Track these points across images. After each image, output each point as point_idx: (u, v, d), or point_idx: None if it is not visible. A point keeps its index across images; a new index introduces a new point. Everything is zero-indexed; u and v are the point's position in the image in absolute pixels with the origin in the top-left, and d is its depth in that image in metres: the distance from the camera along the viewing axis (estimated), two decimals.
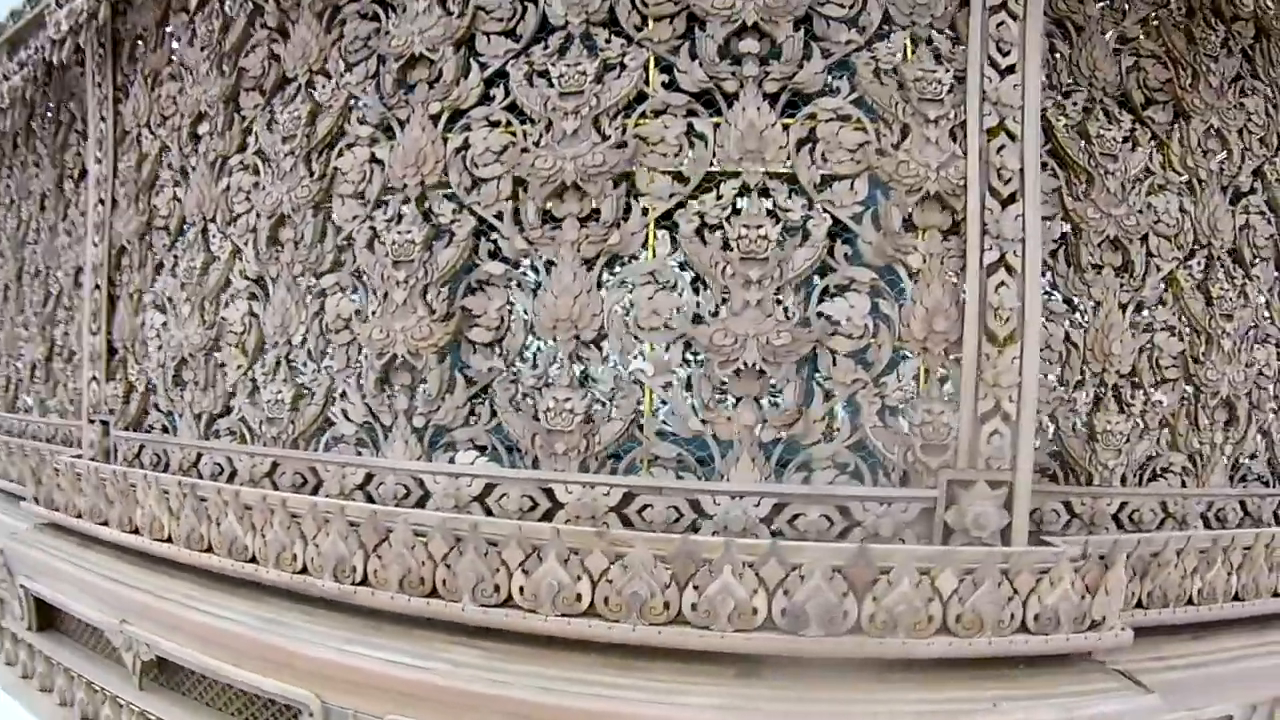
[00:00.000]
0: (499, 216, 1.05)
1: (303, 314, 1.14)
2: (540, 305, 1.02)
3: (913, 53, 1.00)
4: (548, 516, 0.97)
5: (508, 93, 1.07)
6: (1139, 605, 0.97)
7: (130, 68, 1.37)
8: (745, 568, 0.84)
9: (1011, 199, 0.95)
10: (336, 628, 0.90)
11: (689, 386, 0.98)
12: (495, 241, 1.06)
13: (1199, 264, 1.15)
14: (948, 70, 0.97)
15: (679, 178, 1.01)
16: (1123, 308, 1.09)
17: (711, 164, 1.01)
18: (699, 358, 0.98)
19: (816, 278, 0.99)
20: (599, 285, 1.02)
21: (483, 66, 1.09)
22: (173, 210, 1.30)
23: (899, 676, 0.79)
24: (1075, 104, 1.11)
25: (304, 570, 0.96)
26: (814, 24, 1.01)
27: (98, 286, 1.35)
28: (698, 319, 0.99)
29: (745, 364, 0.96)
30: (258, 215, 1.20)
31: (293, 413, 1.11)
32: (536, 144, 1.04)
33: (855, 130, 0.99)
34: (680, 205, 1.01)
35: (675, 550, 0.85)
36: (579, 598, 0.86)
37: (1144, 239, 1.12)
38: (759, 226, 0.97)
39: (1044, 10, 1.06)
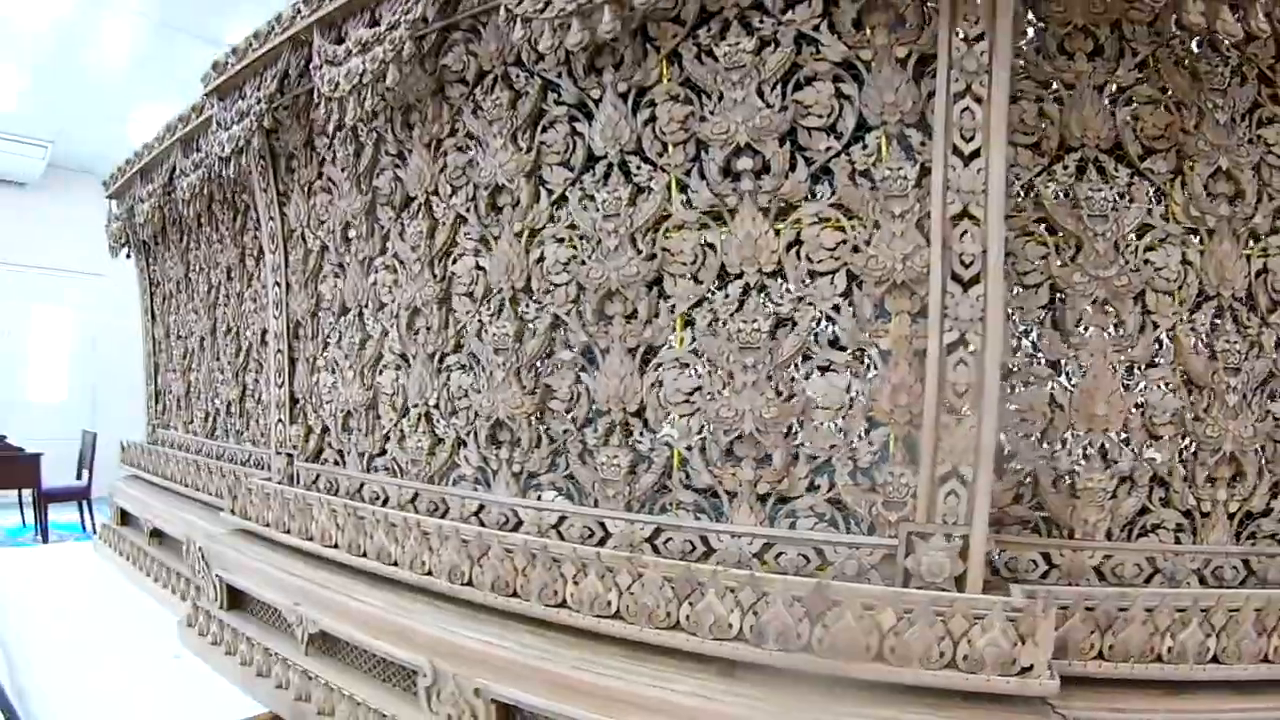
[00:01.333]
0: (568, 314, 1.37)
1: (435, 383, 1.56)
2: (598, 384, 1.33)
3: (886, 151, 1.13)
4: (602, 543, 1.29)
5: (568, 214, 1.37)
6: (1100, 657, 1.03)
7: (288, 178, 1.84)
8: (728, 591, 1.09)
9: (974, 281, 1.05)
10: (447, 615, 1.29)
11: (704, 449, 1.24)
12: (566, 333, 1.39)
13: (1204, 317, 1.15)
14: (914, 165, 1.10)
15: (696, 280, 1.25)
16: (1113, 369, 1.14)
17: (721, 268, 1.23)
18: (710, 426, 1.23)
19: (801, 360, 1.19)
20: (640, 369, 1.30)
21: (549, 193, 1.40)
22: (335, 296, 1.76)
23: (843, 691, 1.00)
24: (1066, 167, 1.16)
25: (429, 573, 1.37)
26: (798, 136, 1.18)
27: (280, 351, 1.86)
28: (710, 396, 1.23)
29: (744, 432, 1.20)
30: (399, 306, 1.63)
31: (430, 456, 1.54)
32: (590, 257, 1.33)
33: (834, 230, 1.16)
34: (697, 304, 1.25)
35: (679, 574, 1.13)
36: (609, 604, 1.17)
37: (1138, 297, 1.15)
38: (754, 320, 1.19)
39: (1031, 74, 1.14)
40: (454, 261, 1.53)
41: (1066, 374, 1.17)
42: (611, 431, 1.32)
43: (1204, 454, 1.14)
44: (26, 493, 5.83)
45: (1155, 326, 1.15)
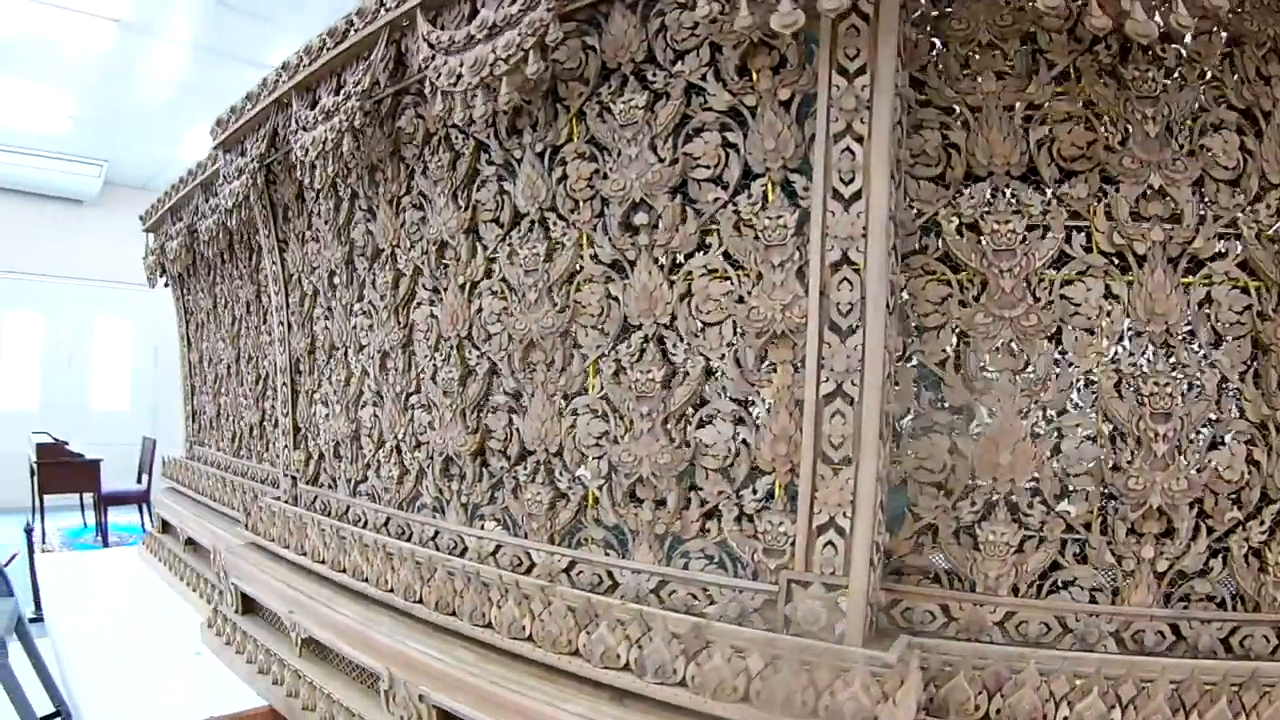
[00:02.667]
0: (501, 361, 1.44)
1: (403, 420, 1.68)
2: (526, 426, 1.39)
3: (771, 199, 1.09)
4: (528, 571, 1.35)
5: (500, 269, 1.43)
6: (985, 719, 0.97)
7: (286, 227, 2.03)
8: (619, 624, 1.12)
9: (852, 330, 1.01)
10: (402, 628, 1.41)
11: (611, 490, 1.26)
12: (500, 379, 1.45)
13: (1130, 356, 1.02)
14: (794, 212, 1.06)
15: (602, 331, 1.28)
16: (1022, 415, 1.04)
17: (624, 319, 1.25)
18: (616, 469, 1.25)
19: (692, 409, 1.18)
20: (559, 414, 1.34)
21: (485, 248, 1.47)
22: (326, 337, 1.93)
23: None
24: (972, 199, 1.07)
25: (390, 590, 1.50)
26: (688, 188, 1.17)
27: (284, 384, 2.06)
28: (615, 440, 1.26)
29: (642, 476, 1.21)
30: (373, 349, 1.74)
31: (399, 485, 1.67)
32: (516, 309, 1.39)
33: (722, 280, 1.14)
34: (604, 354, 1.27)
35: (580, 605, 1.18)
36: (524, 628, 1.25)
37: (1053, 337, 1.05)
38: (649, 371, 1.20)
39: (933, 100, 1.06)
40: (415, 309, 1.64)
41: (970, 418, 1.09)
42: (537, 470, 1.38)
43: (1125, 508, 1.02)
44: (89, 496, 6.14)
45: (1071, 367, 1.04)
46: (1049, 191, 1.04)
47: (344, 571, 1.61)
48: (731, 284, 1.14)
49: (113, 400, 8.56)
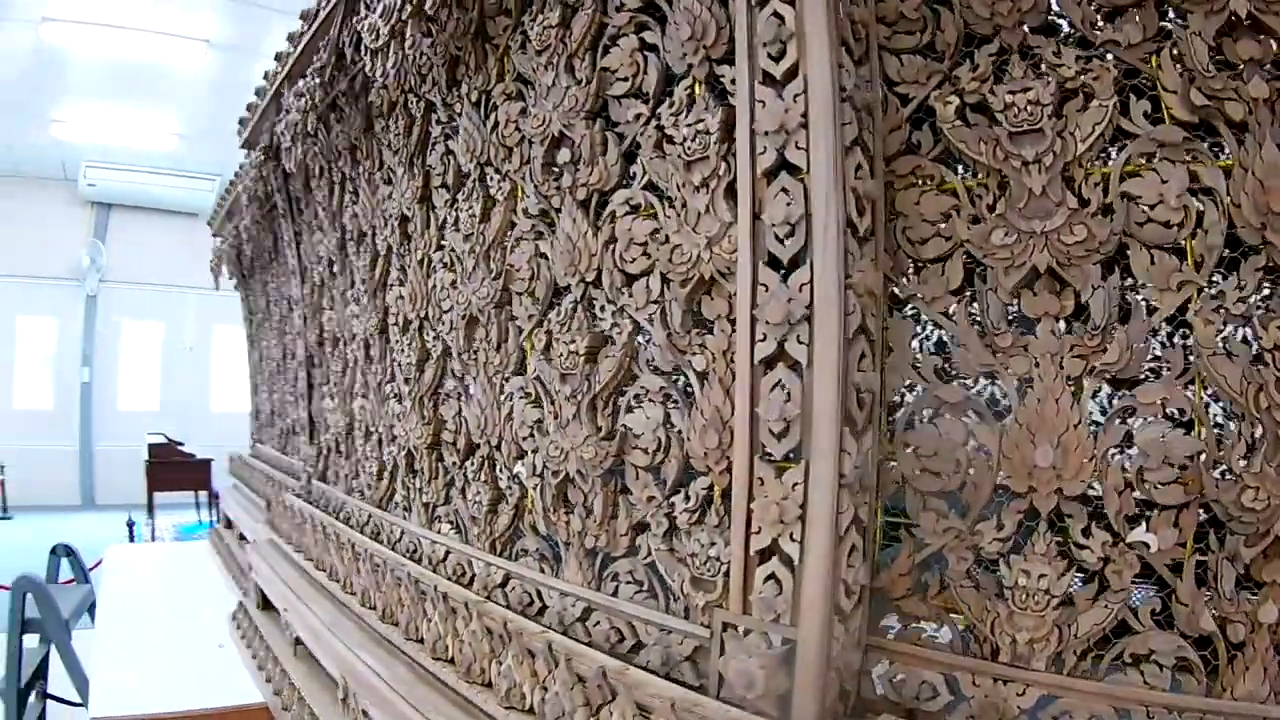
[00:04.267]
0: (452, 341, 1.25)
1: (381, 411, 1.54)
2: (470, 415, 1.18)
3: (696, 100, 0.79)
4: (471, 583, 1.14)
5: (448, 238, 1.25)
6: None
7: (299, 220, 2.00)
8: (528, 656, 0.87)
9: (797, 261, 0.69)
10: (358, 636, 1.28)
11: (542, 491, 1.01)
12: (451, 362, 1.26)
13: (1238, 285, 0.60)
14: (717, 113, 0.76)
15: (534, 297, 1.04)
16: (1072, 388, 0.64)
17: (553, 281, 1.00)
18: (547, 466, 1.00)
19: (620, 389, 0.89)
20: (498, 400, 1.12)
21: (437, 218, 1.30)
22: (329, 328, 1.87)
23: None
24: (977, 67, 0.70)
25: (353, 593, 1.37)
26: (609, 110, 0.91)
27: (301, 377, 2.02)
28: (545, 430, 1.00)
29: (569, 474, 0.95)
30: (359, 336, 1.64)
31: (378, 482, 1.54)
32: (460, 280, 1.19)
33: (646, 218, 0.86)
34: (536, 325, 1.03)
35: (497, 630, 0.95)
36: (447, 647, 1.05)
37: (1114, 261, 0.65)
38: (571, 341, 0.94)
39: None
40: (389, 292, 1.50)
41: (995, 396, 0.69)
42: (481, 466, 1.17)
43: (1236, 540, 0.60)
44: (203, 494, 6.46)
45: (1146, 309, 0.63)
46: (1085, 40, 0.66)
47: (324, 571, 1.51)
48: (657, 221, 0.85)
49: (232, 403, 8.84)
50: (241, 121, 2.10)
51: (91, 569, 3.42)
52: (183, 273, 8.60)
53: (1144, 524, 0.63)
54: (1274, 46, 0.61)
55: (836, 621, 0.68)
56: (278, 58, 1.70)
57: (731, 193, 0.75)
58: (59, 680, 2.64)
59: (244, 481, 2.89)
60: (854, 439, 0.69)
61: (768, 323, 0.70)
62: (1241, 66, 0.61)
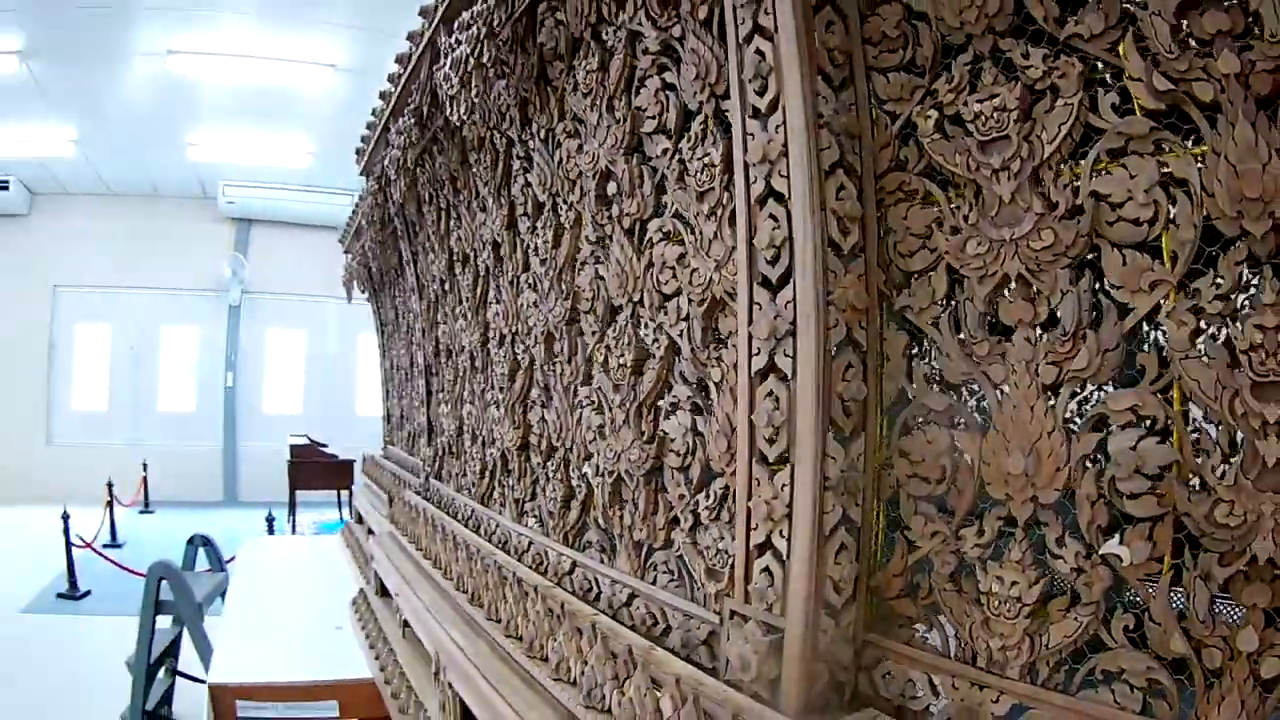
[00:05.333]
0: (538, 353, 1.59)
1: (484, 417, 1.94)
2: (549, 421, 1.52)
3: (701, 138, 1.03)
4: (545, 570, 1.46)
5: (530, 261, 1.59)
6: None
7: (415, 242, 2.47)
8: (576, 634, 1.16)
9: (784, 281, 0.89)
10: (451, 617, 1.66)
11: (603, 490, 1.30)
12: (535, 373, 1.60)
13: (1214, 281, 0.67)
14: (718, 146, 0.99)
15: (596, 316, 1.34)
16: (1046, 394, 0.78)
17: (609, 301, 1.29)
18: (606, 467, 1.29)
19: (660, 397, 1.15)
20: (571, 407, 1.44)
21: (521, 243, 1.65)
22: (444, 340, 2.31)
23: None
24: (953, 79, 0.84)
25: (449, 578, 1.76)
26: (643, 146, 1.17)
27: (422, 384, 2.48)
28: (602, 435, 1.30)
29: (620, 475, 1.23)
30: (464, 349, 2.06)
31: (479, 480, 1.94)
32: (541, 300, 1.53)
33: (675, 244, 1.11)
34: (597, 341, 1.33)
35: (555, 610, 1.26)
36: (517, 626, 1.39)
37: (1086, 264, 0.76)
38: (621, 355, 1.22)
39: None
40: (488, 309, 1.89)
41: (978, 404, 0.84)
42: (558, 466, 1.48)
43: (1208, 557, 0.67)
44: (345, 493, 7.78)
45: (1123, 314, 0.74)
46: (1052, 38, 0.76)
47: (430, 560, 1.95)
48: (683, 246, 1.09)
49: (375, 407, 10.96)
50: (358, 151, 2.69)
51: (229, 561, 4.37)
52: (324, 284, 10.35)
53: (1118, 535, 0.74)
54: (1243, 15, 0.65)
55: (825, 615, 0.87)
56: (383, 96, 2.20)
57: (732, 220, 0.97)
58: (188, 661, 3.44)
59: (374, 480, 3.57)
60: (840, 445, 0.88)
61: (759, 338, 0.92)
62: (1211, 41, 0.66)
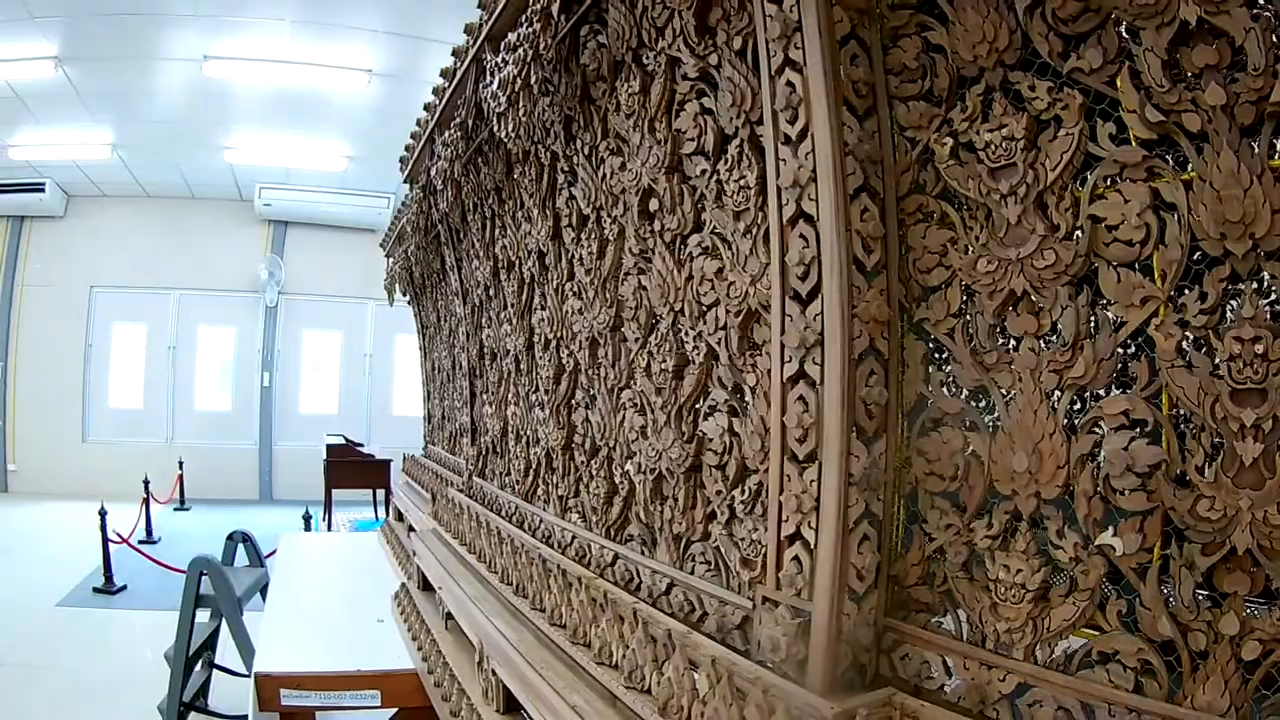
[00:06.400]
0: (582, 358, 1.74)
1: (529, 418, 2.11)
2: (593, 421, 1.68)
3: (737, 160, 1.17)
4: (588, 563, 1.61)
5: (574, 270, 1.75)
6: None
7: (459, 248, 2.66)
8: (619, 620, 1.31)
9: (813, 295, 1.02)
10: (495, 608, 1.82)
11: (645, 487, 1.45)
12: (580, 376, 1.75)
13: (1198, 297, 0.78)
14: (754, 170, 1.12)
15: (639, 324, 1.48)
16: (1048, 399, 0.89)
17: (650, 310, 1.44)
18: (648, 465, 1.44)
19: (699, 400, 1.30)
20: (614, 409, 1.58)
21: (566, 252, 1.80)
22: (488, 344, 2.49)
23: None
24: (966, 108, 0.95)
25: (494, 571, 1.92)
26: (683, 166, 1.31)
27: (465, 386, 2.67)
28: (644, 435, 1.44)
29: (661, 472, 1.37)
30: (510, 352, 2.22)
31: (524, 478, 2.10)
32: (582, 309, 1.68)
33: (713, 258, 1.25)
34: (640, 347, 1.48)
35: (598, 598, 1.41)
36: (560, 615, 1.55)
37: (1084, 280, 0.87)
38: (664, 361, 1.37)
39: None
40: (533, 314, 2.06)
41: (988, 408, 0.97)
42: (601, 465, 1.63)
43: (1193, 548, 0.78)
44: (381, 492, 7.98)
45: (1118, 326, 0.85)
46: (1056, 71, 0.87)
47: (474, 554, 2.11)
48: (721, 261, 1.23)
49: (411, 407, 10.81)
50: (401, 160, 2.89)
51: (267, 556, 4.62)
52: (361, 285, 10.78)
53: (1112, 528, 0.85)
54: (1227, 46, 0.74)
55: (848, 600, 1.00)
56: (427, 108, 2.38)
57: (766, 238, 1.11)
58: (227, 654, 3.65)
59: (415, 479, 3.79)
60: (863, 445, 1.01)
61: (790, 347, 1.05)
62: (1200, 75, 0.75)
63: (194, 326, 11.81)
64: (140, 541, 7.84)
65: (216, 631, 4.09)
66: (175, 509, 10.11)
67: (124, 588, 6.58)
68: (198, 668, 3.99)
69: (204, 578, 3.74)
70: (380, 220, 10.51)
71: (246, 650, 3.48)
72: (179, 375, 11.77)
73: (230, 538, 4.72)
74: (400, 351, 11.75)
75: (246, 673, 3.12)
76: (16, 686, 4.43)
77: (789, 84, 1.02)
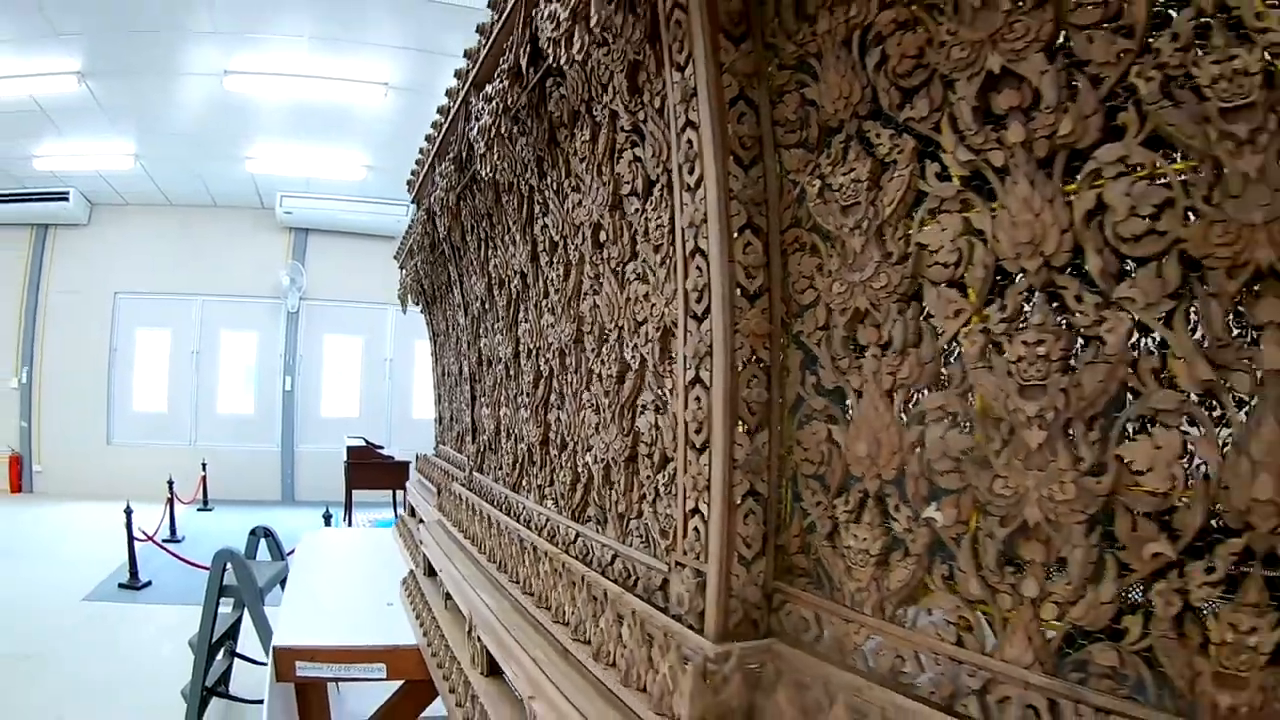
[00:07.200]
0: (555, 369, 2.03)
1: (515, 417, 2.39)
2: (563, 420, 1.95)
3: (658, 202, 1.44)
4: (556, 540, 1.89)
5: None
6: None
7: (461, 264, 2.97)
8: (572, 585, 1.60)
9: (705, 314, 1.26)
10: (484, 584, 2.12)
11: (598, 474, 1.73)
12: (554, 385, 2.04)
13: (1000, 309, 0.95)
14: (665, 211, 1.40)
15: (594, 336, 1.76)
16: (888, 397, 1.13)
17: (601, 327, 1.72)
18: (598, 456, 1.71)
19: (636, 401, 1.58)
20: (577, 410, 1.86)
21: (543, 274, 2.09)
22: (486, 352, 2.79)
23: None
24: (830, 154, 1.16)
25: (483, 551, 2.21)
26: (623, 205, 1.59)
27: (467, 389, 2.97)
28: (597, 431, 1.72)
29: (608, 462, 1.67)
30: (502, 360, 2.52)
31: (511, 472, 2.38)
32: (553, 324, 1.97)
33: (644, 283, 1.53)
34: (596, 355, 1.76)
35: (557, 567, 1.68)
36: (530, 583, 1.86)
37: (913, 297, 1.08)
38: (609, 367, 1.68)
39: (783, 61, 1.19)
40: (518, 327, 2.36)
41: (845, 405, 1.23)
42: (569, 458, 1.92)
43: (992, 521, 0.95)
44: (400, 493, 8.52)
45: (937, 334, 1.05)
46: (894, 120, 1.05)
47: (470, 540, 2.41)
48: (648, 285, 1.51)
49: (431, 410, 12.00)
50: (409, 183, 3.21)
51: (289, 554, 4.98)
52: (381, 291, 11.25)
53: (935, 504, 1.08)
54: (1028, 90, 0.87)
55: (737, 564, 1.27)
56: (428, 138, 2.70)
57: (674, 268, 1.38)
58: (248, 645, 3.98)
59: (425, 476, 4.12)
60: (747, 435, 1.28)
61: (689, 357, 1.33)
62: (1004, 116, 0.89)
63: (216, 331, 12.45)
64: (165, 540, 8.32)
65: (238, 622, 4.45)
66: (198, 509, 10.66)
67: (148, 584, 7.05)
68: (220, 656, 4.35)
69: (227, 569, 4.10)
70: (399, 227, 11.13)
71: (267, 638, 3.82)
72: (202, 379, 12.41)
73: (253, 533, 5.10)
74: (419, 356, 12.28)
75: (266, 661, 3.49)
76: (43, 676, 4.86)
77: (689, 141, 1.30)
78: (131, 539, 7.00)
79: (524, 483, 2.31)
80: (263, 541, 4.97)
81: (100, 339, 12.03)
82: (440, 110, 2.50)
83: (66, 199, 11.11)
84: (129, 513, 6.91)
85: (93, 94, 7.84)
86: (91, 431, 11.85)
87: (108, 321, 12.09)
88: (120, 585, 7.00)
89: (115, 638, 5.73)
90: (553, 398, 2.08)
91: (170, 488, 9.13)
